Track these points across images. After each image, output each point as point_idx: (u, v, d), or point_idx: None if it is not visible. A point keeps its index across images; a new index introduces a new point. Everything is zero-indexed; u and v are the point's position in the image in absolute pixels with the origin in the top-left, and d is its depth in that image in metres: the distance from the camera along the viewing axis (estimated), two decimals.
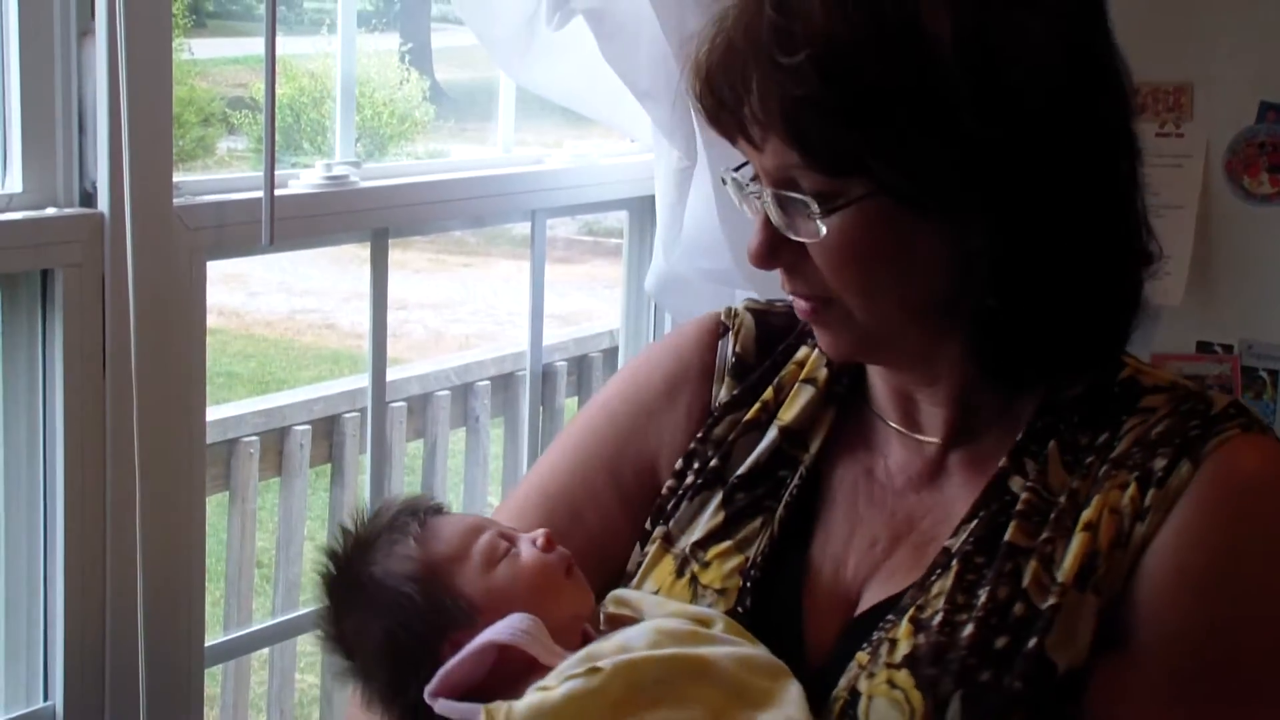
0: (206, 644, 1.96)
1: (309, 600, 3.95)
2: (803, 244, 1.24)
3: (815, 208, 1.21)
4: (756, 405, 1.43)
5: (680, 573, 1.38)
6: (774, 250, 1.26)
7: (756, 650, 1.27)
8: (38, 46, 1.69)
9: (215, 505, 3.24)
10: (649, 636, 1.26)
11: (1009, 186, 1.19)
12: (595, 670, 1.22)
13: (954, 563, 1.25)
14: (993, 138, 1.16)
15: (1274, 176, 2.48)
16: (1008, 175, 1.18)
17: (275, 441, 3.42)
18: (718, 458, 1.42)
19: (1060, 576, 1.21)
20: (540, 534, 1.36)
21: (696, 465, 1.43)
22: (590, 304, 6.52)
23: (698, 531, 1.39)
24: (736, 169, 1.30)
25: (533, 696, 1.22)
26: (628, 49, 2.11)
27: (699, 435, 1.44)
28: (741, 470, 1.41)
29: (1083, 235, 1.23)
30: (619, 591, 1.39)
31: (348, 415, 3.47)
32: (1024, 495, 1.26)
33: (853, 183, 1.19)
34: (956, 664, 1.20)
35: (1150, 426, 1.25)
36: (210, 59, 7.79)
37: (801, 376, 1.43)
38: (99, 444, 1.75)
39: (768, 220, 1.25)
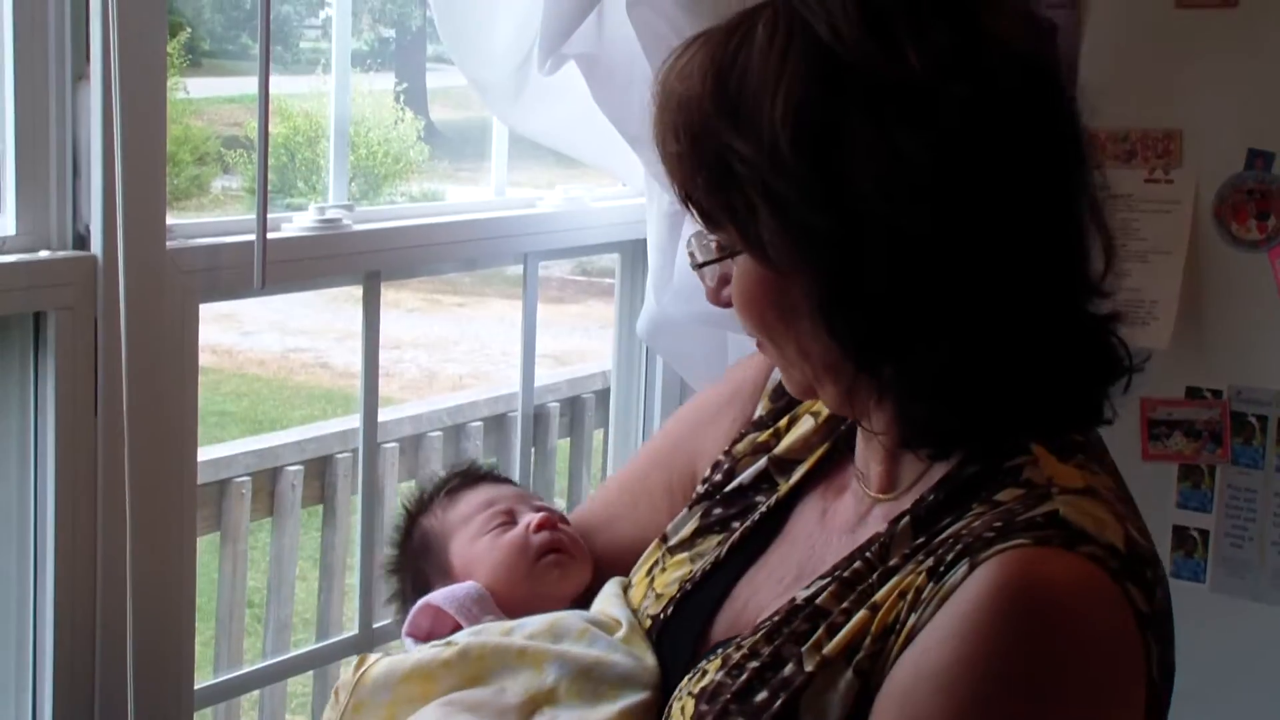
0: (197, 686, 1.95)
1: (300, 641, 3.95)
2: None
3: (700, 258, 1.32)
4: (770, 430, 1.50)
5: (650, 571, 1.50)
6: (716, 292, 1.34)
7: (622, 659, 1.37)
8: (32, 90, 1.70)
9: (207, 545, 3.23)
10: (537, 626, 1.42)
11: (845, 265, 1.20)
12: (449, 645, 1.40)
13: (784, 612, 1.28)
14: (825, 220, 1.19)
15: (1262, 223, 2.50)
16: (841, 255, 1.19)
17: (267, 481, 3.42)
18: (724, 472, 1.51)
19: (829, 647, 1.21)
20: (537, 516, 1.57)
21: (713, 476, 1.52)
22: (584, 344, 6.53)
23: (676, 537, 1.50)
24: None
25: (394, 657, 1.43)
26: (619, 94, 2.12)
27: (727, 448, 1.53)
28: (727, 488, 1.49)
29: (958, 316, 1.20)
30: (615, 579, 1.54)
31: (340, 455, 3.47)
32: (857, 564, 1.26)
33: (729, 236, 1.27)
34: (719, 706, 1.23)
35: (977, 519, 1.21)
36: (205, 98, 7.81)
37: (811, 409, 1.49)
38: (90, 486, 1.75)
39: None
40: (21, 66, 1.69)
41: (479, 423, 3.68)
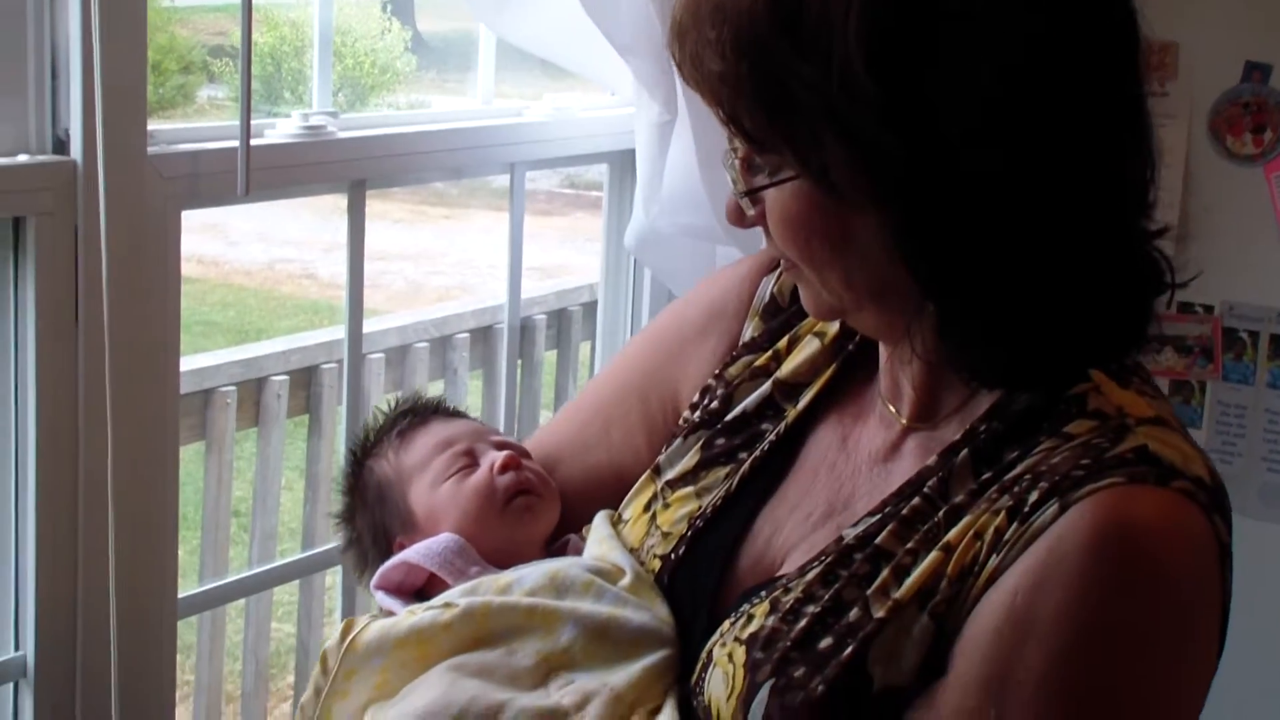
0: (181, 595, 1.95)
1: (286, 550, 3.95)
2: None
3: (741, 186, 1.22)
4: (769, 352, 1.42)
5: (648, 507, 1.41)
6: (739, 213, 1.26)
7: (633, 614, 1.30)
8: None
9: (192, 454, 3.23)
10: (537, 580, 1.33)
11: (930, 198, 1.12)
12: (449, 606, 1.31)
13: (835, 553, 1.22)
14: (902, 149, 1.11)
15: (1258, 137, 2.48)
16: (926, 187, 1.12)
17: (252, 392, 3.41)
18: (720, 399, 1.42)
19: (900, 591, 1.16)
20: (501, 456, 1.47)
21: (705, 402, 1.43)
22: (571, 257, 6.51)
23: (675, 470, 1.41)
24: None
25: (386, 620, 1.34)
26: (609, 2, 2.09)
27: (716, 372, 1.44)
28: (729, 416, 1.40)
29: (1034, 248, 1.14)
30: (600, 514, 1.45)
31: (325, 366, 3.46)
32: (916, 500, 1.21)
33: (784, 161, 1.18)
34: (779, 653, 1.19)
35: (1053, 455, 1.16)
36: (190, 6, 7.72)
37: (815, 328, 1.40)
38: (71, 394, 1.74)
39: (735, 186, 1.25)
40: None
41: (465, 334, 3.66)
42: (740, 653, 1.21)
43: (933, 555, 1.17)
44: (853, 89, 1.10)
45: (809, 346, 1.40)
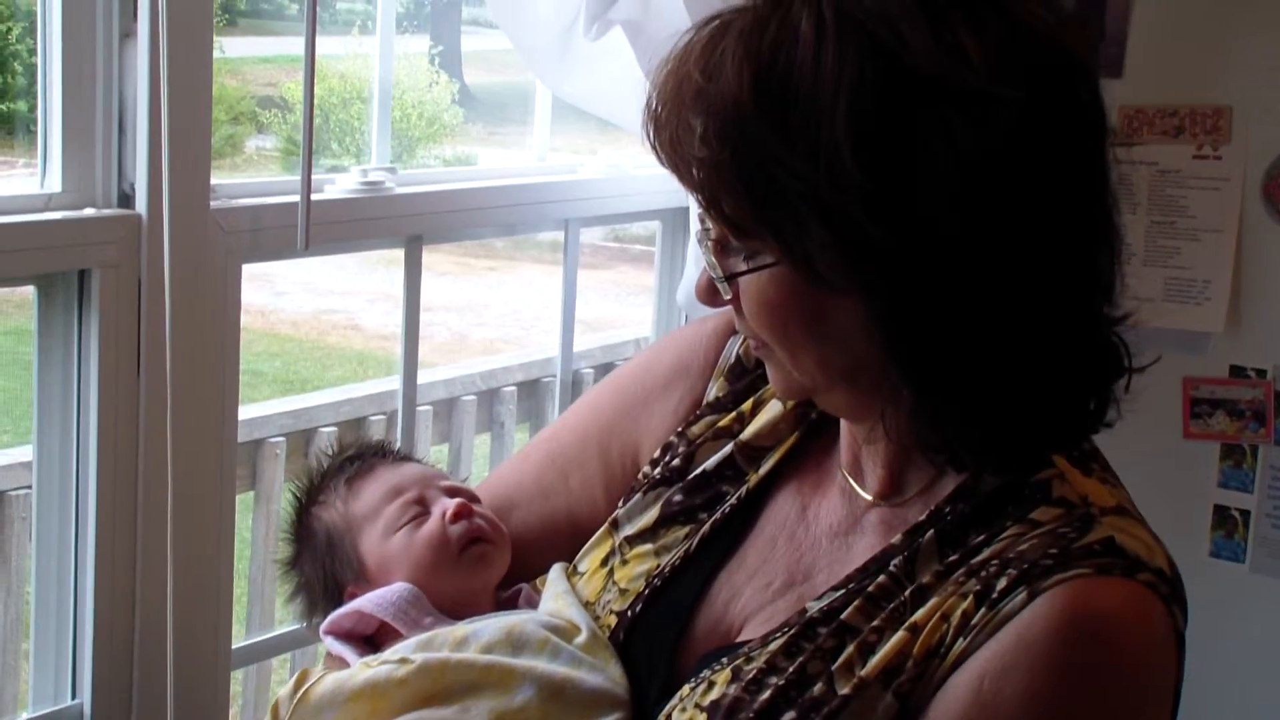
0: (234, 646, 1.96)
1: None
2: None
3: (720, 272, 1.21)
4: (733, 414, 1.41)
5: (606, 561, 1.41)
6: (711, 294, 1.25)
7: (587, 676, 1.29)
8: (80, 47, 1.70)
9: (240, 505, 3.23)
10: (493, 635, 1.32)
11: (909, 282, 1.13)
12: (406, 662, 1.30)
13: (800, 625, 1.23)
14: (886, 235, 1.11)
15: None
16: (906, 272, 1.12)
17: (302, 443, 3.42)
18: (682, 457, 1.41)
19: (865, 669, 1.17)
20: (453, 504, 1.45)
21: (666, 459, 1.42)
22: (615, 310, 6.52)
23: (635, 526, 1.40)
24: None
25: (340, 673, 1.32)
26: None
27: (679, 429, 1.43)
28: (690, 475, 1.40)
29: (1011, 333, 1.15)
30: (555, 566, 1.44)
31: (374, 418, 3.47)
32: (881, 578, 1.21)
33: (764, 246, 1.17)
34: None
35: (1020, 541, 1.18)
36: (241, 57, 7.80)
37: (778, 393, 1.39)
38: (132, 443, 1.76)
39: (706, 266, 1.25)
40: (69, 24, 1.69)
41: (512, 387, 3.67)
42: (699, 719, 1.21)
43: (899, 635, 1.17)
44: (839, 177, 1.11)
45: (772, 410, 1.40)
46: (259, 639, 2.18)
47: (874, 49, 1.12)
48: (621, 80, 2.20)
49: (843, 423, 1.34)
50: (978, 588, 1.16)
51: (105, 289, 1.71)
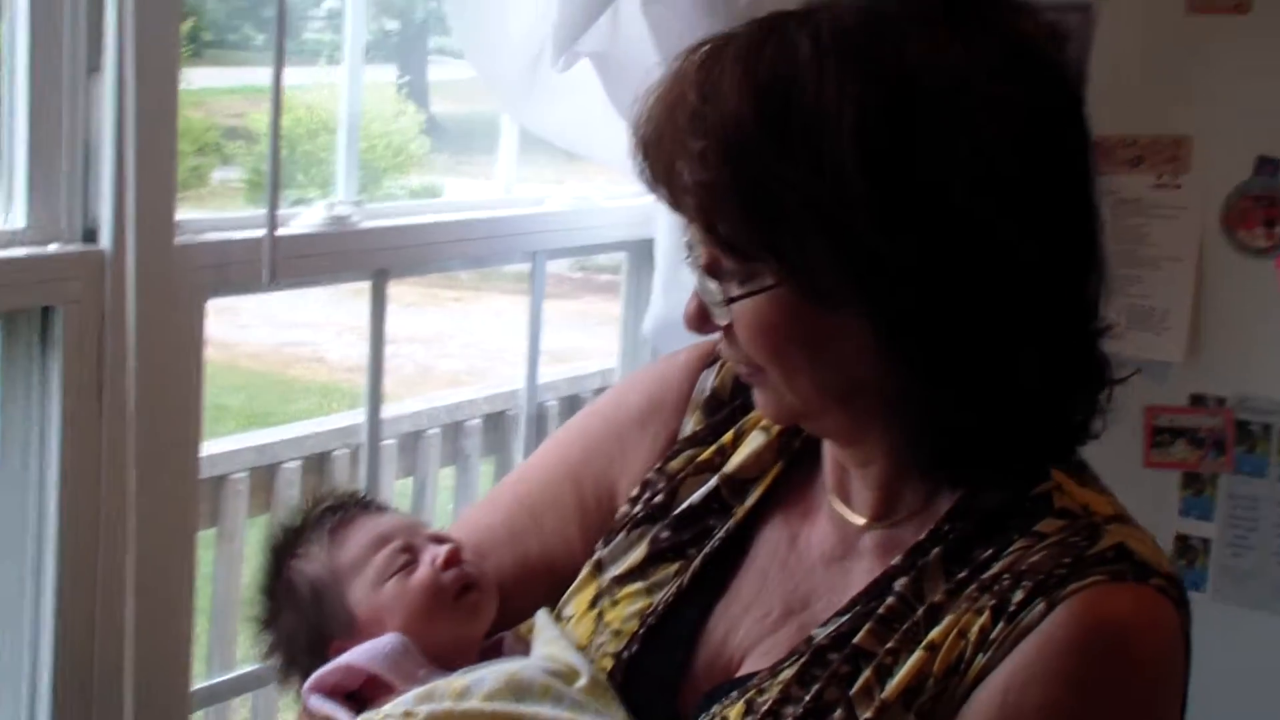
0: (192, 687, 1.94)
1: None
2: None
3: (719, 296, 1.20)
4: (714, 447, 1.40)
5: (594, 604, 1.38)
6: (702, 320, 1.24)
7: (596, 719, 1.27)
8: (46, 82, 1.69)
9: (202, 541, 3.21)
10: (494, 683, 1.28)
11: (917, 296, 1.14)
12: (409, 715, 1.26)
13: (809, 653, 1.22)
14: (892, 249, 1.12)
15: (1270, 230, 2.50)
16: (914, 286, 1.13)
17: (265, 478, 3.40)
18: (664, 493, 1.40)
19: (886, 691, 1.17)
20: (443, 551, 1.41)
21: (646, 496, 1.41)
22: (581, 341, 6.51)
23: (621, 566, 1.39)
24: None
25: None
26: (632, 93, 2.10)
27: (657, 466, 1.42)
28: (676, 511, 1.39)
29: (1009, 345, 1.17)
30: (541, 612, 1.41)
31: (338, 452, 3.45)
32: (890, 599, 1.21)
33: (762, 268, 1.17)
34: None
35: (1030, 554, 1.19)
36: (206, 88, 7.78)
37: (761, 423, 1.39)
38: (94, 480, 1.75)
39: (698, 291, 1.24)
40: (36, 59, 1.68)
41: (478, 420, 3.66)
42: None
43: (917, 654, 1.17)
44: (846, 192, 1.11)
45: (754, 441, 1.39)
46: (221, 679, 2.16)
47: (876, 65, 1.13)
48: (589, 112, 2.21)
49: (828, 449, 1.34)
50: (993, 602, 1.17)
51: (69, 325, 1.70)
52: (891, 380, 1.18)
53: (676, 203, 1.21)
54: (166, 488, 1.81)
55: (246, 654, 3.66)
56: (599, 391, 3.57)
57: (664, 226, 2.24)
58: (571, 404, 3.66)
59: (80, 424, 1.73)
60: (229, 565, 3.35)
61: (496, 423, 3.65)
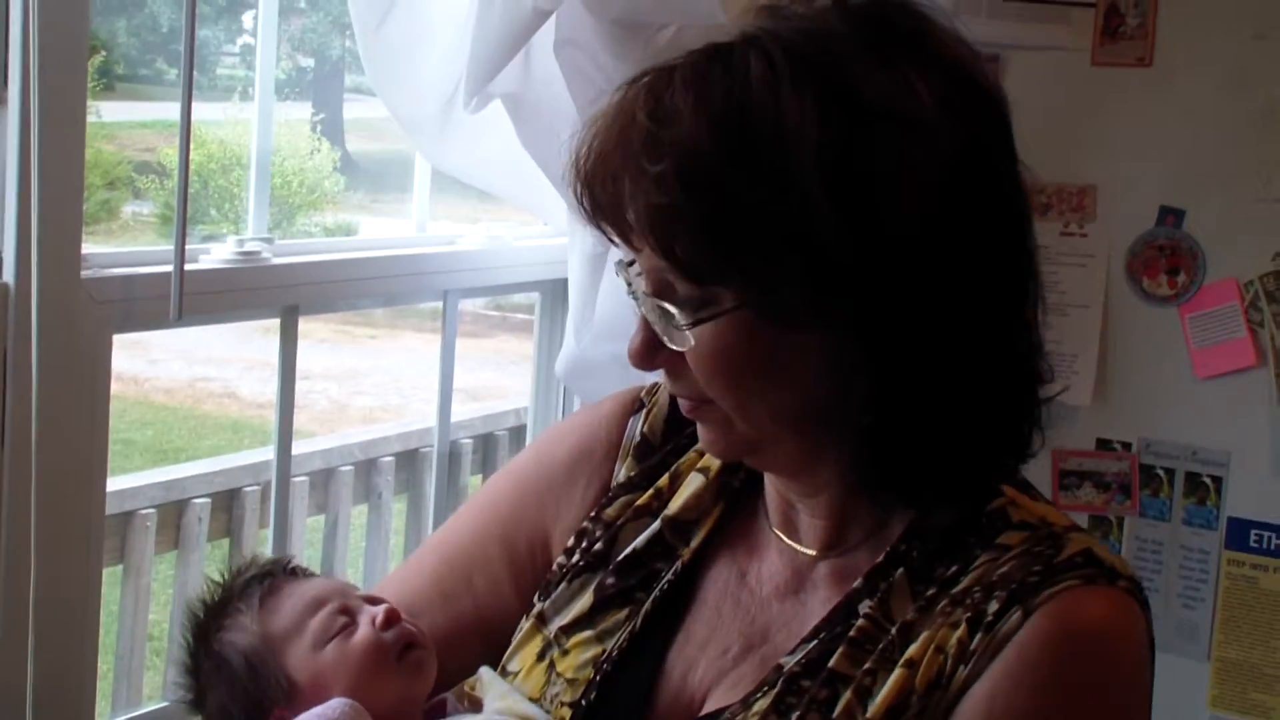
0: None
1: None
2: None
3: (681, 320, 1.19)
4: (650, 491, 1.40)
5: (542, 656, 1.37)
6: (652, 352, 1.23)
7: None
8: None
9: (109, 577, 3.17)
10: None
11: (878, 309, 1.16)
12: None
13: (780, 682, 1.23)
14: (856, 262, 1.14)
15: (1172, 279, 2.54)
16: (876, 298, 1.15)
17: (173, 514, 3.36)
18: (603, 541, 1.39)
19: (870, 711, 1.18)
20: (381, 610, 1.38)
21: (584, 545, 1.40)
22: (496, 379, 6.51)
23: (567, 615, 1.38)
24: (630, 262, 1.26)
25: None
26: (544, 135, 2.12)
27: (592, 514, 1.42)
28: (619, 557, 1.38)
29: (963, 358, 1.19)
30: (485, 669, 1.39)
31: (248, 489, 3.42)
32: (860, 621, 1.23)
33: (721, 292, 1.17)
34: None
35: (997, 566, 1.21)
36: (118, 122, 7.71)
37: (698, 465, 1.40)
38: None
39: (645, 324, 1.23)
40: None
41: (390, 458, 3.64)
42: None
43: (896, 673, 1.19)
44: (809, 209, 1.13)
45: (693, 483, 1.39)
46: (126, 717, 2.13)
47: (830, 86, 1.14)
48: (501, 152, 2.21)
49: (769, 485, 1.35)
50: (969, 615, 1.19)
51: None
52: (847, 401, 1.20)
53: (623, 232, 1.21)
54: (70, 522, 1.79)
55: (154, 692, 3.63)
56: (513, 430, 3.58)
57: (577, 267, 2.24)
58: (485, 442, 3.66)
59: None
60: (136, 602, 3.30)
61: (410, 460, 3.64)
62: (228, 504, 3.44)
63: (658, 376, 1.30)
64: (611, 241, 1.24)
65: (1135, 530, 2.60)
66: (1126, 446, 2.59)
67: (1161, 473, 2.57)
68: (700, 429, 1.29)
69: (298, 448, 3.34)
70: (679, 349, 1.21)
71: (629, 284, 1.25)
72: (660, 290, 1.21)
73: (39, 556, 1.72)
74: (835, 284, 1.15)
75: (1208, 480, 2.54)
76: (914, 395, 1.19)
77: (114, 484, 3.22)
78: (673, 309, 1.20)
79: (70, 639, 1.81)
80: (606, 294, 2.24)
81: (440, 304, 2.45)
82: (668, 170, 1.14)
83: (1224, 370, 2.51)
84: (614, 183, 1.19)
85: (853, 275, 1.14)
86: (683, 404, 1.28)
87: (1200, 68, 2.48)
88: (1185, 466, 2.55)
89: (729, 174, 1.14)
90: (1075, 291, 2.58)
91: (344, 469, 3.59)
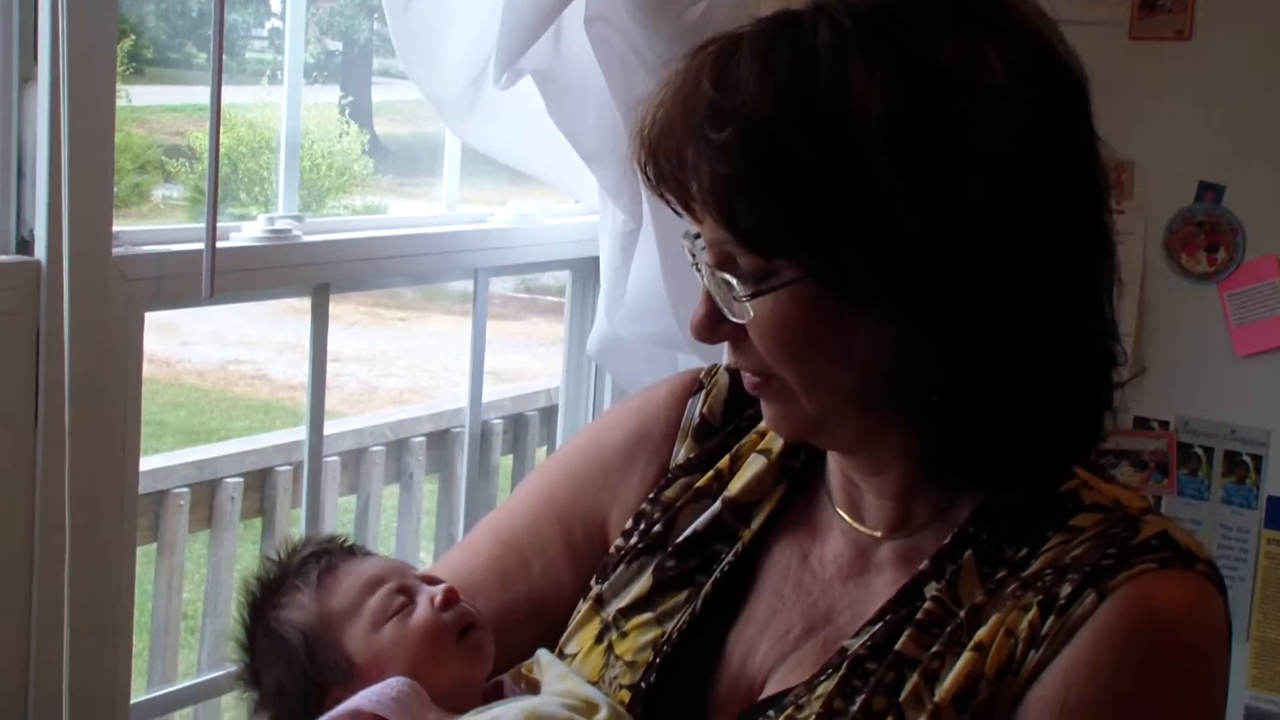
0: (132, 701, 1.91)
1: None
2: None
3: (741, 291, 1.17)
4: (710, 473, 1.39)
5: (600, 639, 1.36)
6: (715, 324, 1.22)
7: None
8: None
9: (143, 556, 3.19)
10: None
11: (946, 283, 1.13)
12: None
13: (844, 664, 1.21)
14: (923, 235, 1.11)
15: (1211, 255, 2.51)
16: (943, 272, 1.12)
17: (206, 493, 3.38)
18: (662, 522, 1.38)
19: (938, 695, 1.16)
20: (440, 590, 1.36)
21: (643, 527, 1.39)
22: (526, 361, 6.51)
23: (626, 598, 1.37)
24: (696, 235, 1.24)
25: None
26: (575, 111, 2.11)
27: (650, 496, 1.40)
28: (678, 539, 1.37)
29: (1034, 338, 1.17)
30: (542, 651, 1.37)
31: (280, 469, 3.43)
32: (927, 604, 1.21)
33: (783, 264, 1.15)
34: None
35: (1070, 548, 1.19)
36: (148, 106, 7.74)
37: (759, 446, 1.38)
38: (29, 494, 1.72)
39: (708, 296, 1.22)
40: None
41: (421, 438, 3.65)
42: None
43: (966, 656, 1.17)
44: (876, 179, 1.10)
45: (754, 465, 1.37)
46: (159, 693, 2.13)
47: (902, 53, 1.12)
48: (532, 130, 2.20)
49: (833, 465, 1.33)
50: (1040, 598, 1.16)
51: (2, 336, 1.67)
52: (911, 377, 1.17)
53: (686, 202, 1.19)
54: (104, 501, 1.79)
55: (188, 669, 3.65)
56: (544, 410, 3.58)
57: (608, 245, 2.23)
58: (516, 422, 3.65)
59: (15, 437, 1.70)
60: (170, 580, 3.32)
61: (440, 440, 3.64)
62: (260, 484, 3.45)
63: (700, 359, 1.27)
64: (675, 212, 1.22)
65: (1173, 509, 2.58)
66: (1164, 425, 2.57)
67: (1200, 451, 2.55)
68: (764, 407, 1.27)
69: (329, 428, 3.35)
70: (739, 321, 1.19)
71: (693, 256, 1.23)
72: (722, 262, 1.19)
73: (73, 535, 1.72)
74: (900, 256, 1.12)
75: (1247, 459, 2.52)
76: (980, 373, 1.16)
77: (147, 464, 3.24)
78: (734, 281, 1.18)
79: (105, 617, 1.81)
80: (638, 273, 2.22)
81: (471, 283, 2.44)
82: (731, 139, 1.13)
83: (1264, 348, 2.49)
84: (678, 152, 1.17)
85: (918, 247, 1.12)
86: (746, 380, 1.26)
87: (1240, 41, 2.46)
88: (1224, 445, 2.54)
89: (793, 143, 1.12)
90: None
91: (375, 449, 3.59)
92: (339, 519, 3.70)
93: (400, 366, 8.09)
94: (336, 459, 3.46)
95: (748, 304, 1.17)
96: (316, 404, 2.18)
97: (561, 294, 2.72)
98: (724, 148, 1.13)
